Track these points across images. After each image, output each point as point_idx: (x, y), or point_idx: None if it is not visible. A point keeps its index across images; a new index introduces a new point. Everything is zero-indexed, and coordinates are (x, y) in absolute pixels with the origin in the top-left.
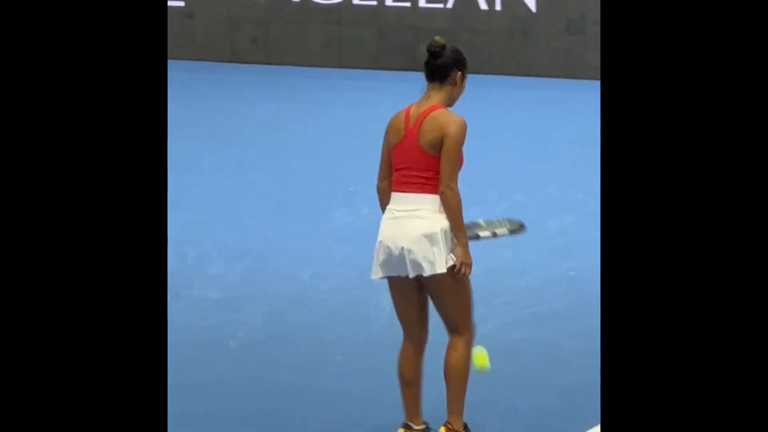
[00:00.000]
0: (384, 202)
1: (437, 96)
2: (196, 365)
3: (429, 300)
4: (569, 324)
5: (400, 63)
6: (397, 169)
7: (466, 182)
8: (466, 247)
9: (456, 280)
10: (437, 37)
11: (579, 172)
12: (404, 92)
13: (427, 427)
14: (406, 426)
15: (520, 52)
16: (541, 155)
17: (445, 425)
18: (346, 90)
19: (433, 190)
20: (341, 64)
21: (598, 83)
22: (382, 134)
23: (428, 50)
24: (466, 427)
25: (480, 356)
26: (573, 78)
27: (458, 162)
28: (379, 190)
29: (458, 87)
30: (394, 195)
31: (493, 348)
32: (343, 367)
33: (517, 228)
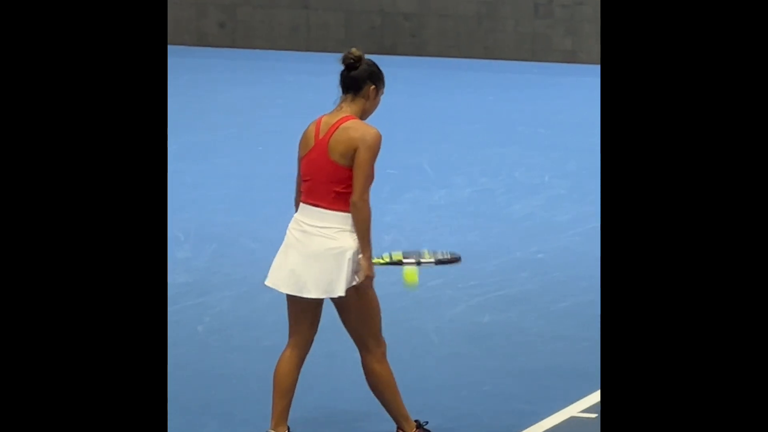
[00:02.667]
0: None
1: (349, 108)
2: None
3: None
4: (536, 307)
5: (367, 47)
6: (305, 180)
7: (432, 166)
8: (369, 260)
9: (359, 298)
10: (353, 49)
11: (545, 156)
12: None
13: None
14: None
15: (488, 36)
16: (508, 139)
17: None
18: (313, 74)
19: (342, 206)
20: (308, 48)
21: (564, 66)
22: None
23: (343, 62)
24: (419, 425)
25: (410, 274)
26: (540, 61)
27: (371, 175)
28: (297, 205)
29: (371, 101)
30: (303, 206)
31: (460, 331)
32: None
33: (448, 260)
